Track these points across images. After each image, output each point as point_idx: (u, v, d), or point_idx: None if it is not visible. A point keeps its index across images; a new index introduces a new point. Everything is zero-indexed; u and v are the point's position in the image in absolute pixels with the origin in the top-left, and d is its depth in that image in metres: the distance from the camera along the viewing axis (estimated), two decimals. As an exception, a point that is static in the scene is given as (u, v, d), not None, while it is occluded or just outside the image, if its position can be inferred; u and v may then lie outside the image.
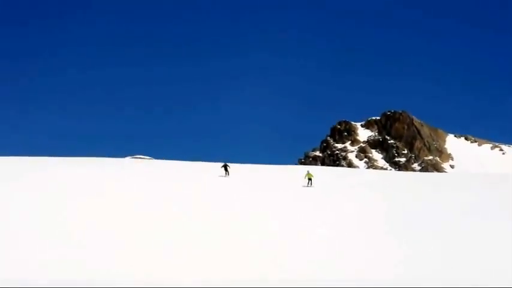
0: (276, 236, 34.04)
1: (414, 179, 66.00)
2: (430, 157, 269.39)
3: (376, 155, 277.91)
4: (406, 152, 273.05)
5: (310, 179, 49.03)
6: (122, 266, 26.33)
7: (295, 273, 26.57)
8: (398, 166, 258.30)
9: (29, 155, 71.66)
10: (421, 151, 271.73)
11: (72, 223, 33.98)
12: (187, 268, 26.98)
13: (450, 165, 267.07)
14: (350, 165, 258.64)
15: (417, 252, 30.35)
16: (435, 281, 24.63)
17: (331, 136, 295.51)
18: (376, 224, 37.73)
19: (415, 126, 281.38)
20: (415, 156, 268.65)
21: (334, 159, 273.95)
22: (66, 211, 37.12)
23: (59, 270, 25.04)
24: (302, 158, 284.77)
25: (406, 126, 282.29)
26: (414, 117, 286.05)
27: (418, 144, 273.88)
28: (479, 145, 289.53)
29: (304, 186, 48.34)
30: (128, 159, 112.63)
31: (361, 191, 51.02)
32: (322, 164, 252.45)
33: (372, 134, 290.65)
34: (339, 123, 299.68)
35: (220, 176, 51.75)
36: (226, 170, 51.92)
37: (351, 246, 31.62)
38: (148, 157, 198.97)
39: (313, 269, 27.52)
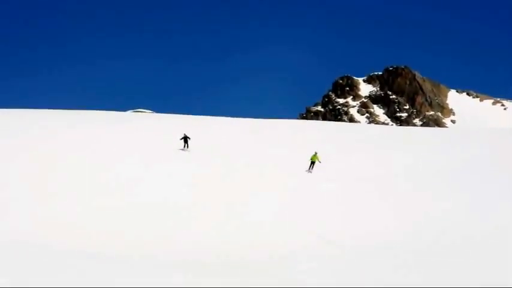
0: (284, 190, 34.32)
1: (415, 134, 66.05)
2: (432, 112, 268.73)
3: (378, 110, 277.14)
4: (407, 107, 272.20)
5: (313, 162, 39.81)
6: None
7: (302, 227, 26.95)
8: (399, 121, 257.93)
9: (31, 108, 71.62)
10: (423, 106, 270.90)
11: (62, 177, 34.21)
12: (193, 219, 27.35)
13: (451, 121, 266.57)
14: (351, 120, 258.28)
15: (418, 209, 30.67)
16: (442, 232, 24.97)
17: (333, 91, 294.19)
18: (378, 179, 37.98)
19: (417, 82, 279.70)
20: (416, 112, 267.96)
21: (335, 114, 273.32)
22: (61, 165, 37.36)
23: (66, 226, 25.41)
24: (303, 112, 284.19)
25: (408, 82, 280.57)
26: (416, 73, 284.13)
27: (419, 99, 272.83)
28: (480, 100, 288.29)
29: (307, 171, 39.71)
30: (129, 112, 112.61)
31: (363, 146, 51.14)
32: (324, 119, 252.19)
33: (374, 89, 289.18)
34: (341, 78, 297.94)
35: (181, 149, 44.06)
36: (186, 142, 44.25)
37: (356, 201, 31.94)
38: (149, 111, 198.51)
39: (323, 224, 27.88)
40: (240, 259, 20.78)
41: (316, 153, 40.24)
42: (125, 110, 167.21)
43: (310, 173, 39.01)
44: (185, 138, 44.12)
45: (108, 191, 31.71)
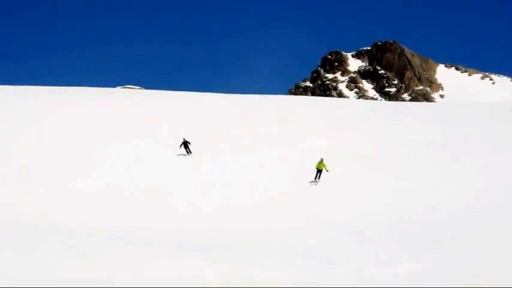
0: (275, 169, 34.24)
1: (404, 109, 65.97)
2: (420, 87, 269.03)
3: (367, 85, 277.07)
4: (396, 82, 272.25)
5: (320, 171, 32.31)
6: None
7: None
8: (388, 96, 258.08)
9: (15, 84, 70.73)
10: (412, 81, 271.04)
11: (58, 155, 34.01)
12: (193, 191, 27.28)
13: (440, 95, 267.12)
14: (340, 95, 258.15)
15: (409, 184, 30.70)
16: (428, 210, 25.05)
17: (322, 66, 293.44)
18: (372, 155, 37.96)
19: (406, 57, 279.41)
20: (405, 87, 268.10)
21: (324, 90, 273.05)
22: (56, 142, 37.11)
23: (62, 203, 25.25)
24: (292, 88, 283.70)
25: (396, 57, 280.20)
26: (405, 47, 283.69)
27: (408, 74, 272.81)
28: (469, 75, 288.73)
29: (311, 182, 32.06)
30: (118, 89, 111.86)
31: (352, 121, 51.03)
32: (313, 94, 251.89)
33: (363, 64, 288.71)
34: (330, 54, 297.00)
35: (181, 154, 37.26)
36: (186, 147, 38.01)
37: (352, 179, 31.91)
38: (138, 87, 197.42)
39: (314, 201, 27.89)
40: (236, 238, 20.77)
41: (322, 160, 32.68)
42: (113, 86, 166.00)
43: (312, 178, 32.48)
44: (185, 144, 38.22)
45: (100, 171, 31.58)
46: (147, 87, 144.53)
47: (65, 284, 11.55)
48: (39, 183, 27.95)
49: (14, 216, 21.68)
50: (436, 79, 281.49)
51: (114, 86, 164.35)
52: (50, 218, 22.15)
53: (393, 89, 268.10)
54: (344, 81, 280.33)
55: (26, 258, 13.09)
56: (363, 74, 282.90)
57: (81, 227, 20.63)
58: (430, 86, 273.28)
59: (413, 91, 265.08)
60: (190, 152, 37.69)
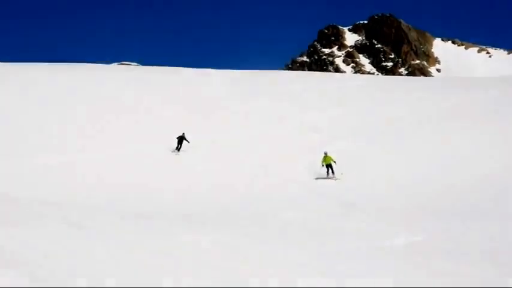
0: (271, 143, 34.18)
1: (401, 83, 65.77)
2: (417, 61, 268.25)
3: (363, 60, 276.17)
4: (393, 56, 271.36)
5: (329, 166, 28.59)
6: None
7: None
8: (385, 71, 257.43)
9: (9, 61, 70.18)
10: (408, 55, 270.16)
11: (55, 130, 33.87)
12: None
13: (437, 69, 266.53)
14: (337, 70, 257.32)
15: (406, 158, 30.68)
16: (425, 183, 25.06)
17: (318, 41, 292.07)
18: (364, 128, 37.92)
19: (403, 30, 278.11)
20: (402, 61, 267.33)
21: (321, 65, 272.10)
22: (50, 117, 36.94)
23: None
24: (289, 63, 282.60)
25: (393, 30, 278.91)
26: (402, 21, 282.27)
27: (405, 48, 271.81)
28: (466, 48, 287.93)
29: (320, 178, 28.09)
30: (114, 65, 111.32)
31: (349, 96, 50.86)
32: (309, 69, 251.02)
33: (359, 38, 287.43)
34: (327, 28, 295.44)
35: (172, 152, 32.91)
36: (180, 142, 33.09)
37: (347, 153, 31.85)
38: (134, 63, 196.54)
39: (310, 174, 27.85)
40: (233, 212, 20.77)
41: (326, 153, 29.06)
42: (109, 62, 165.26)
43: (323, 173, 28.81)
44: (181, 139, 33.34)
45: (93, 146, 31.47)
46: (143, 64, 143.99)
47: (65, 255, 11.46)
48: (28, 158, 27.84)
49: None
50: (432, 53, 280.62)
51: (110, 63, 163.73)
52: (43, 192, 22.07)
53: (390, 64, 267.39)
54: (341, 55, 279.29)
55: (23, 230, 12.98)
56: (360, 48, 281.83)
57: (77, 200, 20.57)
58: (427, 60, 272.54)
59: (410, 65, 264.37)
60: (178, 150, 32.92)
